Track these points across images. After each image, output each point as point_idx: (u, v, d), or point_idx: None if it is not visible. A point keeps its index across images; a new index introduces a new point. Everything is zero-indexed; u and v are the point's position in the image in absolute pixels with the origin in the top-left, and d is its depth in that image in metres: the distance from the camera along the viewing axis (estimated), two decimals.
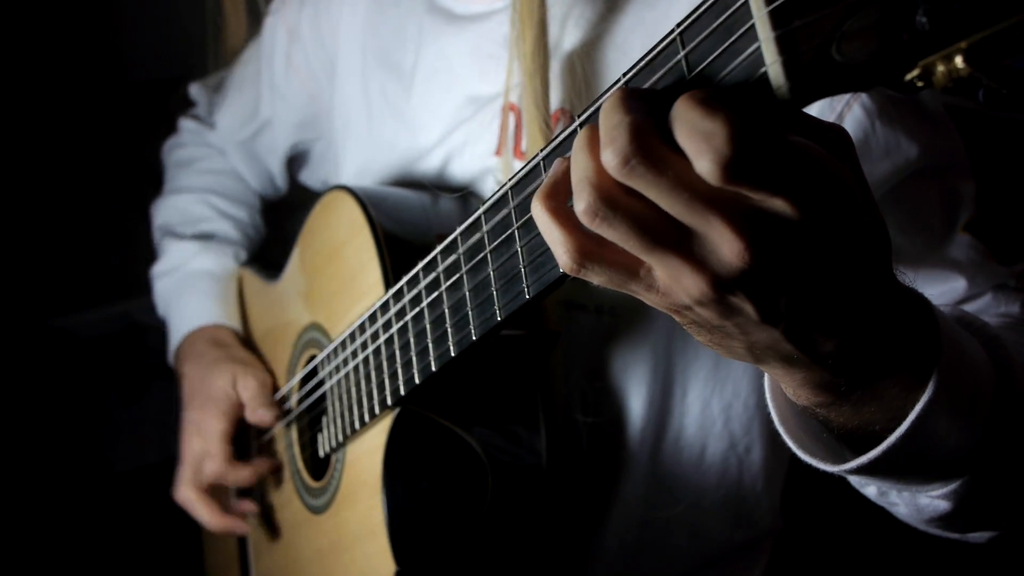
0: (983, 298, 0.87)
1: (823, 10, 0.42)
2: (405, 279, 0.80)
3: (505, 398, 0.94)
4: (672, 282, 0.50)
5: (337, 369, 0.97)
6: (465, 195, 1.02)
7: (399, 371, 0.83)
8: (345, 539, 0.98)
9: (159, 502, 1.22)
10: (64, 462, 1.90)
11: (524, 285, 0.62)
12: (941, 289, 0.87)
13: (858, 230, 0.49)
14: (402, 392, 0.83)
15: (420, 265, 0.77)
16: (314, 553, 1.05)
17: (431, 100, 1.06)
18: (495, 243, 0.65)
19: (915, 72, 0.42)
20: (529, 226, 0.61)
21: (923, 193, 0.88)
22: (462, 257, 0.70)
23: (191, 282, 1.31)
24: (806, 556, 1.44)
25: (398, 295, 0.82)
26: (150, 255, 1.39)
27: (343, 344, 0.95)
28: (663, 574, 1.08)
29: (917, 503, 0.71)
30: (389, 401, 0.86)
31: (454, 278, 0.72)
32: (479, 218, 0.67)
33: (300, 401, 1.10)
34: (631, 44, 0.91)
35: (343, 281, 1.00)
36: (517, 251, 0.63)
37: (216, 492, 1.19)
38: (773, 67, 0.43)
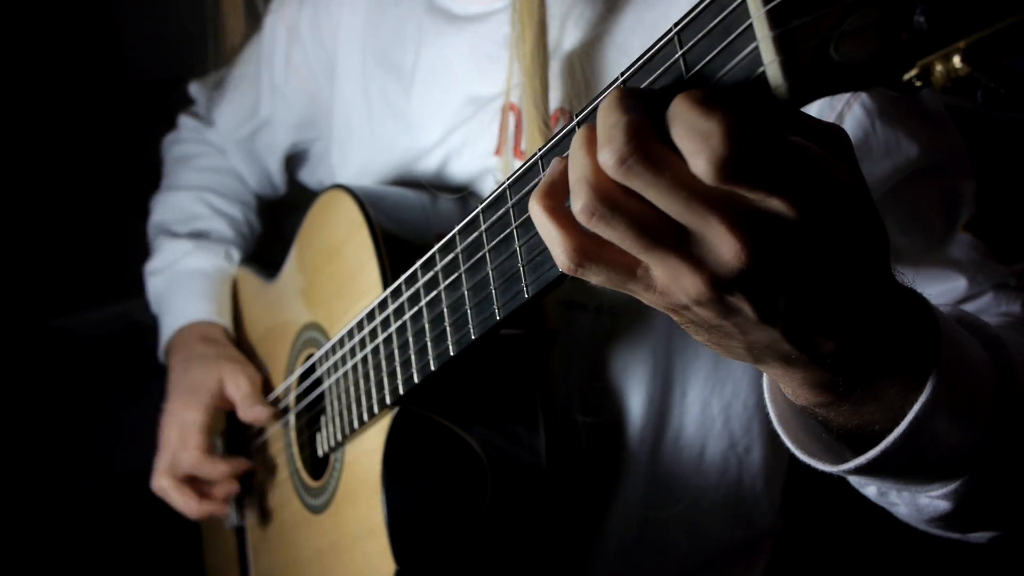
0: (983, 297, 0.87)
1: (821, 9, 0.42)
2: (403, 277, 0.80)
3: (504, 398, 0.94)
4: (670, 282, 0.50)
5: (335, 368, 0.97)
6: (464, 195, 1.02)
7: (398, 370, 0.83)
8: (345, 539, 0.98)
9: (159, 502, 1.22)
10: (64, 462, 1.90)
11: (523, 284, 0.62)
12: (941, 288, 0.87)
13: (856, 230, 0.49)
14: (401, 391, 0.83)
15: (418, 263, 0.77)
16: (313, 553, 1.05)
17: (431, 100, 1.06)
18: (494, 242, 0.65)
19: (914, 72, 0.42)
20: (528, 225, 0.61)
21: (923, 192, 0.88)
22: (460, 256, 0.70)
23: (183, 280, 1.31)
24: (806, 556, 1.44)
25: (396, 293, 0.82)
26: (150, 255, 1.40)
27: (341, 343, 0.95)
28: (663, 574, 1.08)
29: (917, 503, 0.71)
30: (388, 400, 0.86)
31: (452, 277, 0.72)
32: (477, 217, 0.67)
33: (298, 400, 1.10)
34: (631, 44, 0.91)
35: (342, 280, 1.00)
36: (516, 250, 0.63)
37: (195, 481, 1.19)
38: (771, 67, 0.43)
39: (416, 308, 0.78)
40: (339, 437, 0.97)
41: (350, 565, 0.97)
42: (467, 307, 0.70)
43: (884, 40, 0.41)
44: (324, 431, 1.01)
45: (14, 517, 1.79)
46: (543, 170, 0.59)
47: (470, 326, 0.70)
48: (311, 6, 1.21)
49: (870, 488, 0.75)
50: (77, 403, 1.93)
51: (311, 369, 1.07)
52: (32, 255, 1.91)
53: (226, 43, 1.35)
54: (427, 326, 0.77)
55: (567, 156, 0.52)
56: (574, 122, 0.56)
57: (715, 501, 1.05)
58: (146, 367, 1.35)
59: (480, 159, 1.02)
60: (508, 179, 0.63)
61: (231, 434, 1.28)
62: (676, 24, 0.49)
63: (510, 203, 0.63)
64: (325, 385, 1.00)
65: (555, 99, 0.93)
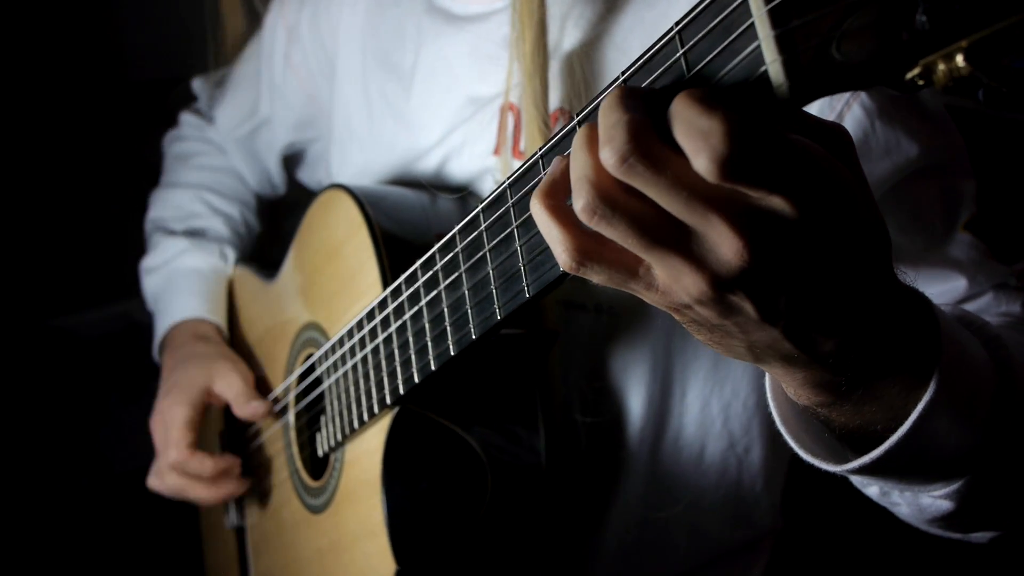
0: (984, 297, 0.87)
1: (822, 9, 0.42)
2: (403, 277, 0.80)
3: (504, 397, 0.94)
4: (671, 281, 0.50)
5: (335, 367, 0.97)
6: (464, 195, 1.02)
7: (398, 370, 0.83)
8: (345, 539, 0.98)
9: (159, 502, 1.22)
10: (64, 462, 1.90)
11: (524, 284, 0.62)
12: (942, 288, 0.87)
13: (857, 229, 0.49)
14: (401, 391, 0.83)
15: (418, 263, 0.77)
16: (313, 553, 1.05)
17: (430, 100, 1.06)
18: (494, 242, 0.65)
19: (916, 71, 0.42)
20: (528, 225, 0.61)
21: (923, 192, 0.88)
22: (460, 255, 0.70)
23: (178, 278, 1.32)
24: (806, 556, 1.44)
25: (396, 293, 0.82)
26: (146, 251, 1.40)
27: (341, 342, 0.94)
28: (662, 574, 1.08)
29: (919, 503, 0.71)
30: (388, 400, 0.85)
31: (453, 276, 0.71)
32: (477, 216, 0.67)
33: (298, 400, 1.10)
34: (630, 44, 0.91)
35: (341, 280, 1.00)
36: (516, 250, 0.63)
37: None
38: (773, 66, 0.43)
39: (416, 308, 0.78)
40: (339, 437, 0.97)
41: (350, 565, 0.96)
42: (467, 307, 0.70)
43: (885, 39, 0.41)
44: (324, 431, 1.01)
45: (14, 517, 1.79)
46: (543, 169, 0.59)
47: (470, 326, 0.70)
48: (311, 6, 1.21)
49: (872, 488, 0.75)
50: (77, 403, 1.93)
51: (311, 369, 1.07)
52: (32, 255, 1.91)
53: (226, 42, 1.35)
54: (427, 326, 0.77)
55: (568, 155, 0.52)
56: (575, 121, 0.56)
57: (715, 501, 1.05)
58: (146, 367, 1.35)
59: (479, 159, 1.02)
60: (508, 178, 0.62)
61: (230, 434, 1.28)
62: (677, 23, 0.49)
63: (510, 202, 0.63)
64: (325, 385, 1.00)
65: (554, 99, 0.93)
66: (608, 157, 0.47)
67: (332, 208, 1.02)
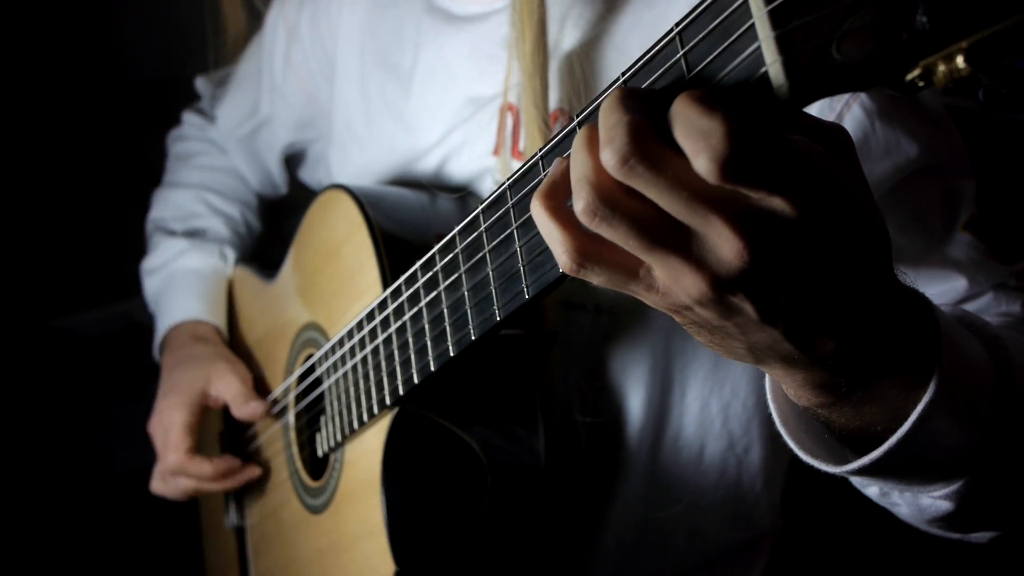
0: (984, 297, 0.87)
1: (823, 9, 0.42)
2: (403, 277, 0.80)
3: (504, 398, 0.94)
4: (672, 282, 0.50)
5: (335, 368, 0.97)
6: (464, 195, 1.02)
7: (397, 370, 0.83)
8: (344, 539, 0.98)
9: (159, 502, 1.23)
10: (64, 462, 1.90)
11: (523, 285, 0.62)
12: (941, 288, 0.87)
13: (857, 229, 0.49)
14: (401, 391, 0.83)
15: (418, 263, 0.77)
16: (313, 553, 1.05)
17: (430, 101, 1.06)
18: (494, 242, 0.65)
19: (916, 72, 0.42)
20: (528, 225, 0.61)
21: (923, 192, 0.88)
22: (460, 256, 0.70)
23: (177, 279, 1.32)
24: (806, 556, 1.44)
25: (396, 293, 0.82)
26: (147, 251, 1.40)
27: (340, 343, 0.94)
28: (662, 574, 1.08)
29: (919, 504, 0.71)
30: (388, 400, 0.85)
31: (453, 277, 0.71)
32: (477, 217, 0.67)
33: (297, 400, 1.10)
34: (630, 44, 0.91)
35: (341, 280, 1.00)
36: (516, 250, 0.63)
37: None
38: (773, 67, 0.43)
39: (416, 308, 0.78)
40: (339, 437, 0.97)
41: (350, 565, 0.96)
42: (467, 307, 0.70)
43: (885, 40, 0.41)
44: (324, 431, 1.01)
45: (14, 517, 1.79)
46: (543, 170, 0.59)
47: (470, 326, 0.70)
48: (311, 6, 1.21)
49: (872, 488, 0.75)
50: (77, 403, 1.93)
51: (310, 369, 1.07)
52: (32, 255, 1.91)
53: (227, 42, 1.35)
54: (427, 326, 0.77)
55: (568, 156, 0.52)
56: (575, 122, 0.56)
57: (714, 501, 1.05)
58: (146, 367, 1.36)
59: (479, 159, 1.02)
60: (508, 179, 0.62)
61: (230, 435, 1.28)
62: (677, 24, 0.49)
63: (510, 203, 0.63)
64: (325, 385, 1.00)
65: (554, 99, 0.93)
66: (608, 158, 0.47)
67: (332, 208, 1.02)
